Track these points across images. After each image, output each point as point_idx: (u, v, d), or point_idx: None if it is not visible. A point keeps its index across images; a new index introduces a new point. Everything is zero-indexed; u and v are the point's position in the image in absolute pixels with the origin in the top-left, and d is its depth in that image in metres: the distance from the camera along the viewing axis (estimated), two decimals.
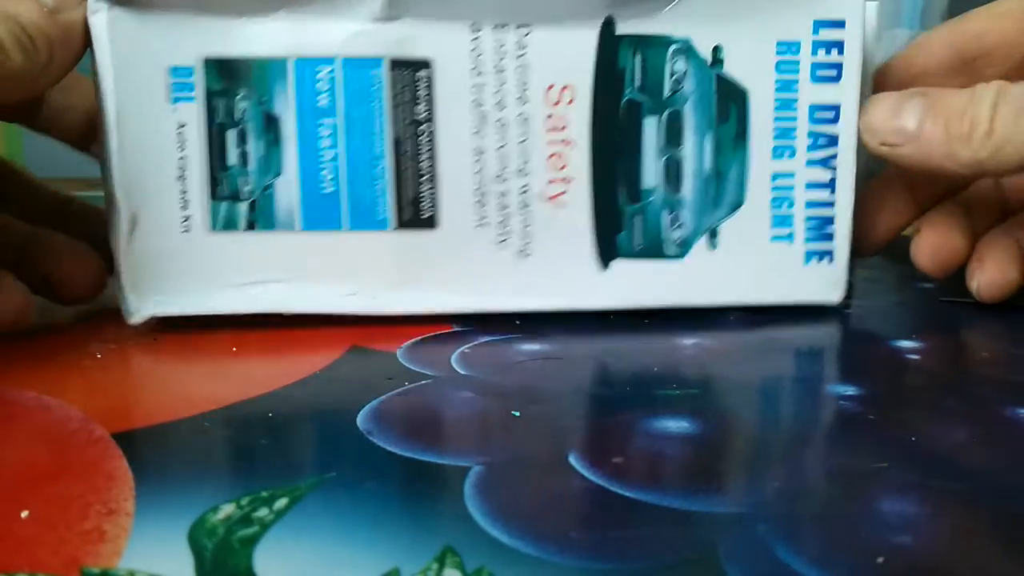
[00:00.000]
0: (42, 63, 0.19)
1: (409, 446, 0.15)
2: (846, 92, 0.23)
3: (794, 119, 0.23)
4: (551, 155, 0.22)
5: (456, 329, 0.22)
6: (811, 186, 0.23)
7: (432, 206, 0.22)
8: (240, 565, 0.11)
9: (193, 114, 0.21)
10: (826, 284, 0.24)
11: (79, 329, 0.23)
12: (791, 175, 0.23)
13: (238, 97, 0.21)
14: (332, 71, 0.21)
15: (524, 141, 0.22)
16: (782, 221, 0.23)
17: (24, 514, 0.13)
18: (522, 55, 0.22)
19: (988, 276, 0.24)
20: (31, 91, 0.20)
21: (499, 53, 0.22)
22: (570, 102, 0.22)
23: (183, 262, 0.22)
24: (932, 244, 0.25)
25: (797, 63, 0.23)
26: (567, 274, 0.23)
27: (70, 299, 0.23)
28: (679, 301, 0.23)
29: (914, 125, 0.22)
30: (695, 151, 0.23)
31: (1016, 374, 0.20)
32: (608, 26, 0.22)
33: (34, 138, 0.26)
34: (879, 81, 0.24)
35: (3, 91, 0.19)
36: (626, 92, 0.22)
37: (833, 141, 0.23)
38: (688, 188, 0.23)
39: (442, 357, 0.20)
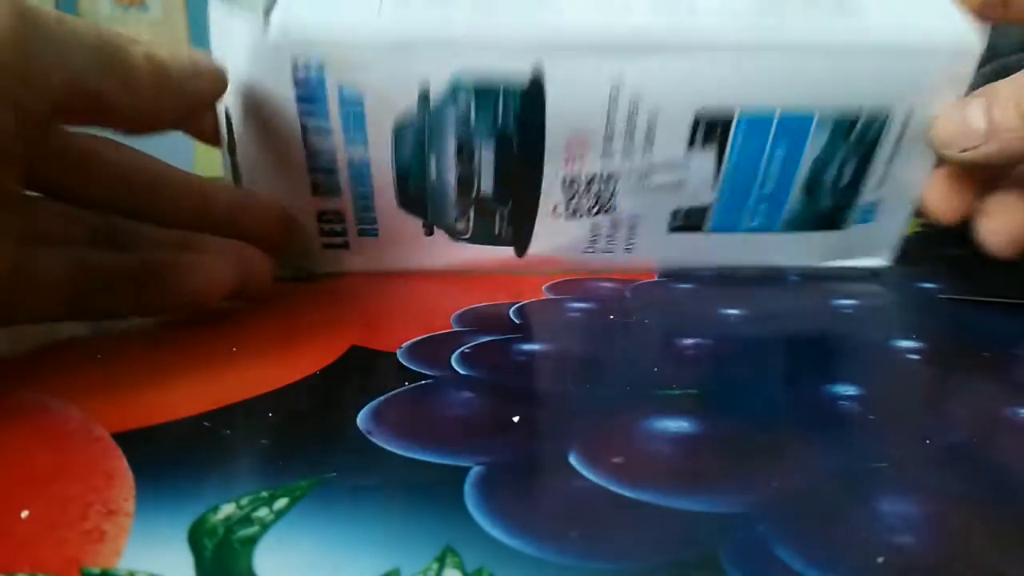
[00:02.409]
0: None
1: (409, 446, 0.15)
2: None
3: None
4: None
5: (456, 329, 0.22)
6: None
7: None
8: (240, 565, 0.11)
9: None
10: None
11: (79, 329, 0.23)
12: None
13: None
14: None
15: None
16: None
17: (24, 514, 0.13)
18: None
19: None
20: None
21: None
22: None
23: None
24: (1009, 228, 0.25)
25: None
26: None
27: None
28: None
29: (984, 122, 0.22)
30: None
31: (1016, 374, 0.20)
32: None
33: None
34: None
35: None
36: None
37: None
38: None
39: (442, 357, 0.20)
